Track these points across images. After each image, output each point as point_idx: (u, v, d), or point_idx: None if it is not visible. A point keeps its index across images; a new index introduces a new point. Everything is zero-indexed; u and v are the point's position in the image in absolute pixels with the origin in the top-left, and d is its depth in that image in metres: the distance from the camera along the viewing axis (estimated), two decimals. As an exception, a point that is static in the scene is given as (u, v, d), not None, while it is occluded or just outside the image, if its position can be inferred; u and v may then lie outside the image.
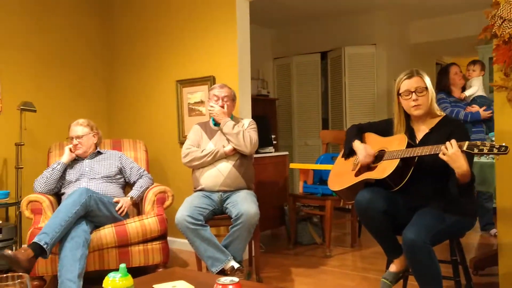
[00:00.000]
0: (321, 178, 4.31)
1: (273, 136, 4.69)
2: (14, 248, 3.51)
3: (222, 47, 3.94)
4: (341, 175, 2.59)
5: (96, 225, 3.06)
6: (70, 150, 3.39)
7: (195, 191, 3.23)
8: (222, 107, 3.25)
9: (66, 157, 3.37)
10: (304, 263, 3.70)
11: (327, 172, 4.01)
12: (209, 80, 3.99)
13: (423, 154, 2.22)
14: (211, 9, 4.00)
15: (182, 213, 2.93)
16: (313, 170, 4.29)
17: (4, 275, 1.03)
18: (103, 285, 1.26)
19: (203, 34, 4.07)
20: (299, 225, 4.33)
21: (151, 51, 4.47)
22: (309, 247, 4.21)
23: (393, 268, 2.38)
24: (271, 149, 4.53)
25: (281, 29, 6.89)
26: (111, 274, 1.26)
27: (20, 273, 1.10)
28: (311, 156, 6.22)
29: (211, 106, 3.26)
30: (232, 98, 3.32)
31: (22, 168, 3.81)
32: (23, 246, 3.02)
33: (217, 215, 3.12)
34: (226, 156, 3.17)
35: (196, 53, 4.13)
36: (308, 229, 4.32)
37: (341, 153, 2.75)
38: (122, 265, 1.27)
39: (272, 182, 4.45)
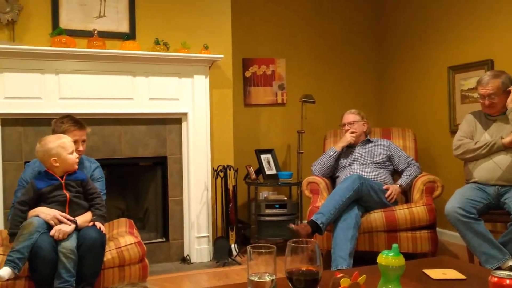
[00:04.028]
0: None
1: None
2: (296, 222, 4.03)
3: (503, 23, 3.58)
4: None
5: (366, 209, 3.26)
6: (351, 142, 3.64)
7: (467, 183, 3.08)
8: (489, 106, 2.97)
9: (343, 142, 3.63)
10: None
11: None
12: (486, 64, 3.69)
13: None
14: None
15: (453, 205, 2.85)
16: None
17: (300, 239, 1.26)
18: (377, 261, 1.39)
19: (479, 12, 3.78)
20: None
21: (421, 38, 4.40)
22: None
23: None
24: None
25: None
26: (385, 252, 1.37)
27: (309, 239, 1.32)
28: None
29: None
30: (502, 91, 2.93)
31: (302, 153, 4.33)
32: (303, 222, 3.45)
33: (493, 210, 2.91)
34: (504, 148, 2.91)
35: (471, 35, 3.87)
36: None
37: None
38: (395, 245, 1.37)
39: None
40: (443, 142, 4.09)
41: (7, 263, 2.27)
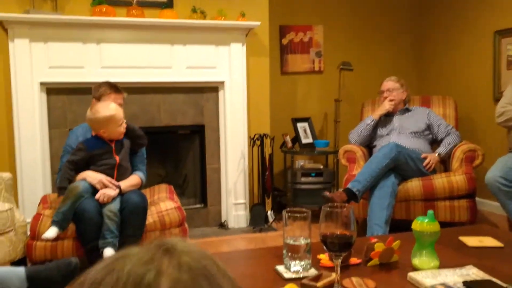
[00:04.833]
0: None
1: None
2: (332, 190, 4.05)
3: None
4: None
5: (403, 178, 3.23)
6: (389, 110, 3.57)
7: (511, 152, 3.00)
8: None
9: (381, 110, 3.56)
10: None
11: None
12: (535, 29, 3.53)
13: None
14: None
15: (494, 174, 2.79)
16: None
17: (335, 204, 1.28)
18: (412, 227, 1.40)
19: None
20: None
21: (466, 1, 4.22)
22: None
23: None
24: None
25: None
26: (420, 218, 1.38)
27: (343, 204, 1.34)
28: None
29: None
30: None
31: (339, 121, 4.30)
32: (339, 190, 3.47)
33: (536, 180, 2.83)
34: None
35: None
36: None
37: None
38: (430, 211, 1.37)
39: None
40: (486, 110, 3.97)
41: (53, 223, 2.42)
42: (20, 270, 1.85)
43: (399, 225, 2.94)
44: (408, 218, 3.18)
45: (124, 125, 2.59)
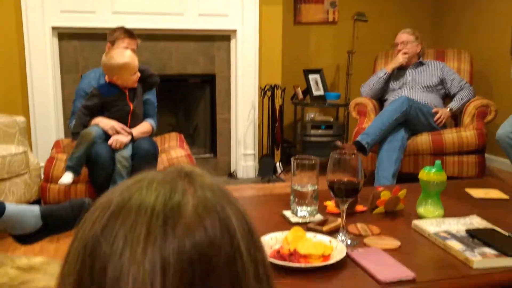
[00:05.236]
0: None
1: None
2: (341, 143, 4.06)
3: None
4: None
5: (413, 132, 3.23)
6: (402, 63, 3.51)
7: (524, 108, 2.97)
8: None
9: (395, 63, 3.51)
10: None
11: None
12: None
13: None
14: None
15: (505, 130, 2.78)
16: None
17: (344, 151, 1.30)
18: (419, 176, 1.42)
19: None
20: None
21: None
22: None
23: None
24: None
25: None
26: (427, 167, 1.40)
27: (352, 152, 1.35)
28: None
29: None
30: None
31: (351, 74, 4.25)
32: (348, 142, 3.48)
33: (548, 137, 2.81)
34: None
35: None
36: None
37: None
38: (438, 161, 1.38)
39: None
40: (503, 66, 3.88)
41: (68, 168, 2.48)
42: (35, 208, 1.92)
43: (406, 178, 2.96)
44: (415, 171, 3.14)
45: (138, 74, 2.59)
